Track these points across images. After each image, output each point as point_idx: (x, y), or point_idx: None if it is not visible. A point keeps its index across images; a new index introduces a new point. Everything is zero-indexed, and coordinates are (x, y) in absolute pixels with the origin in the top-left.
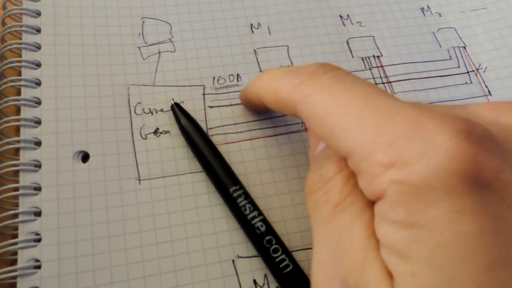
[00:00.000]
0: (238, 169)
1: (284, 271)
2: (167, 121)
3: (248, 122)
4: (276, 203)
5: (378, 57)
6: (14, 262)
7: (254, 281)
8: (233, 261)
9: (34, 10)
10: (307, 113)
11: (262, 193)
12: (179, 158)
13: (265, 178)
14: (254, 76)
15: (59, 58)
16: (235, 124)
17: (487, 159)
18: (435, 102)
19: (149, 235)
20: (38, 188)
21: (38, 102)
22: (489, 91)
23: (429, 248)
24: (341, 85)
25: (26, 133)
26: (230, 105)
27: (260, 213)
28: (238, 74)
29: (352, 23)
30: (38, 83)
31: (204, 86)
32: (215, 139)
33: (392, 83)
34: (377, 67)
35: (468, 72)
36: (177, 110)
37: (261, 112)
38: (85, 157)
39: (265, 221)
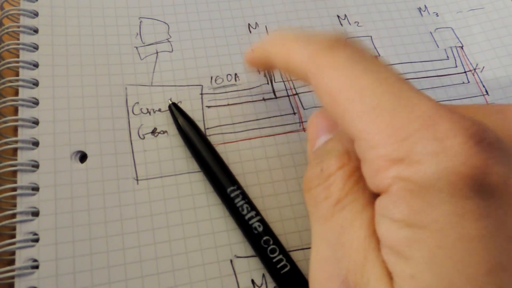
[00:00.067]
0: (236, 169)
1: (282, 272)
2: (164, 121)
3: (246, 122)
4: (274, 203)
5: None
6: (12, 262)
7: (252, 281)
8: (231, 261)
9: (31, 10)
10: (321, 87)
11: (260, 193)
12: (177, 158)
13: (263, 178)
14: (252, 76)
15: (57, 59)
16: (233, 124)
17: (496, 166)
18: None
19: (147, 235)
20: (36, 188)
21: (36, 103)
22: (486, 91)
23: (430, 249)
24: (360, 64)
25: (24, 134)
26: (228, 105)
27: (258, 213)
28: (236, 74)
29: (350, 23)
30: (35, 84)
31: (202, 86)
32: (213, 139)
33: None
34: None
35: (465, 72)
36: (175, 110)
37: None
38: (82, 157)
39: (262, 221)
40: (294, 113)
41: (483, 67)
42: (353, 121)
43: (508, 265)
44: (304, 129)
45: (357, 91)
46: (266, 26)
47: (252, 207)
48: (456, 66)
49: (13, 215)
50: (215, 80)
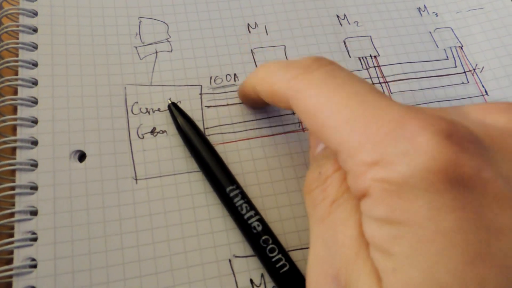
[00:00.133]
0: (235, 168)
1: (281, 271)
2: (164, 120)
3: (245, 122)
4: (273, 203)
5: (375, 57)
6: (10, 261)
7: (251, 281)
8: (230, 260)
9: (30, 10)
10: (300, 108)
11: (259, 193)
12: (176, 157)
13: (262, 177)
14: None
15: (56, 58)
16: (232, 123)
17: (467, 158)
18: (432, 102)
19: (145, 234)
20: (34, 187)
21: (35, 102)
22: (485, 91)
23: (410, 244)
24: (333, 82)
25: (23, 133)
26: (227, 104)
27: (257, 213)
28: (235, 74)
29: (349, 23)
30: (35, 83)
31: (201, 85)
32: (212, 139)
33: (389, 83)
34: (374, 67)
35: (465, 72)
36: (174, 109)
37: (259, 108)
38: (81, 156)
39: (261, 220)
40: (293, 113)
41: (483, 67)
42: (332, 135)
43: (487, 255)
44: (303, 129)
45: (332, 107)
46: (265, 26)
47: (251, 206)
48: (456, 66)
49: (12, 214)
50: (215, 80)
